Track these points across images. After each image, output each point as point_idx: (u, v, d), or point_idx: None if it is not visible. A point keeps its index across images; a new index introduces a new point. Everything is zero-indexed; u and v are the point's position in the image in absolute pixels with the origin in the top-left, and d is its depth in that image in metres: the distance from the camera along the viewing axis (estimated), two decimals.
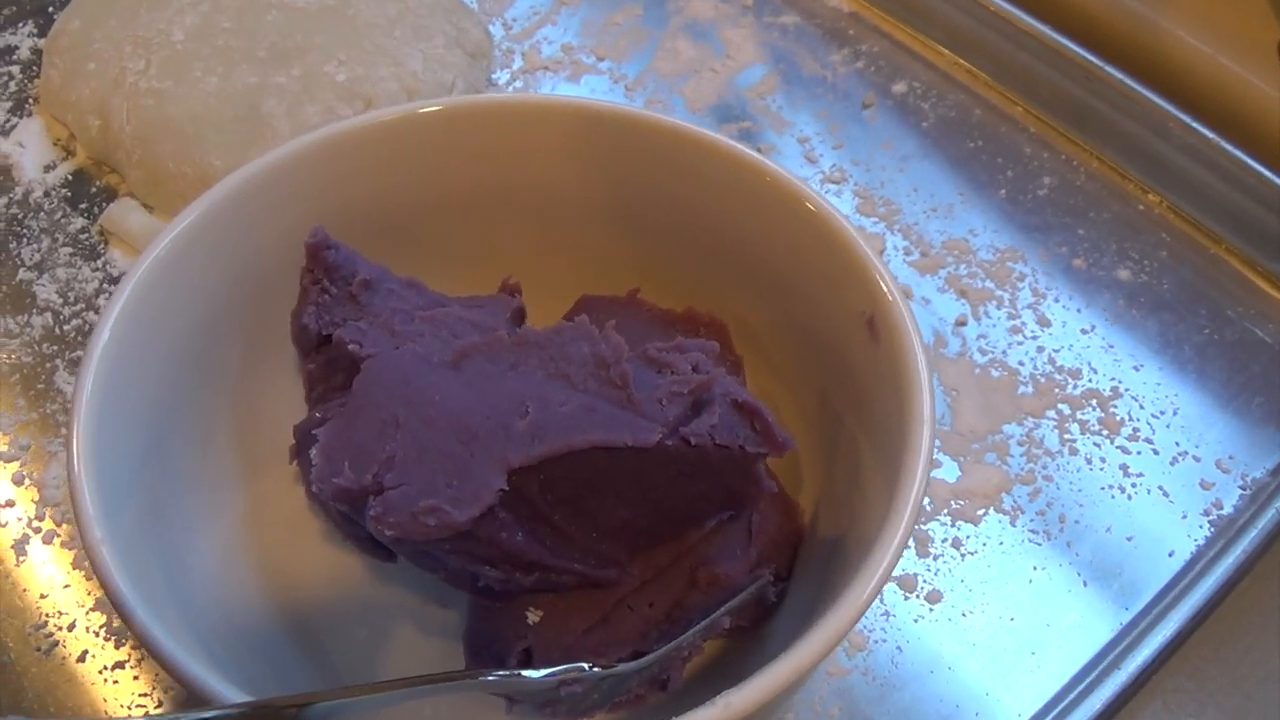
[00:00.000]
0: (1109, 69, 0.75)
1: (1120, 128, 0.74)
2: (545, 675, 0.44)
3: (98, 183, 0.74)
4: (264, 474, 0.55)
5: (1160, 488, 0.61)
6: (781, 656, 0.40)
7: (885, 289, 0.49)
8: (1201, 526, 0.59)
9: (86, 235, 0.71)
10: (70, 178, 0.75)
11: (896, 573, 0.56)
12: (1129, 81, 0.74)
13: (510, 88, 0.79)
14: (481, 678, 0.44)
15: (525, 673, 0.44)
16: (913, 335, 0.47)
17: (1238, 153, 0.71)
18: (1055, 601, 0.57)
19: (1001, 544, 0.58)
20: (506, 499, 0.45)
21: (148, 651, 0.40)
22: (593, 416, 0.45)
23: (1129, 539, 0.59)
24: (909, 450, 0.44)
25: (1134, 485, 0.61)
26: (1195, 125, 0.72)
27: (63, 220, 0.72)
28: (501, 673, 0.45)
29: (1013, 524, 0.59)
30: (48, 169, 0.75)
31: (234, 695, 0.39)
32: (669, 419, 0.46)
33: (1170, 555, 0.58)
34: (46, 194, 0.74)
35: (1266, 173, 0.70)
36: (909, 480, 0.44)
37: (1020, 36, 0.78)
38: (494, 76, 0.80)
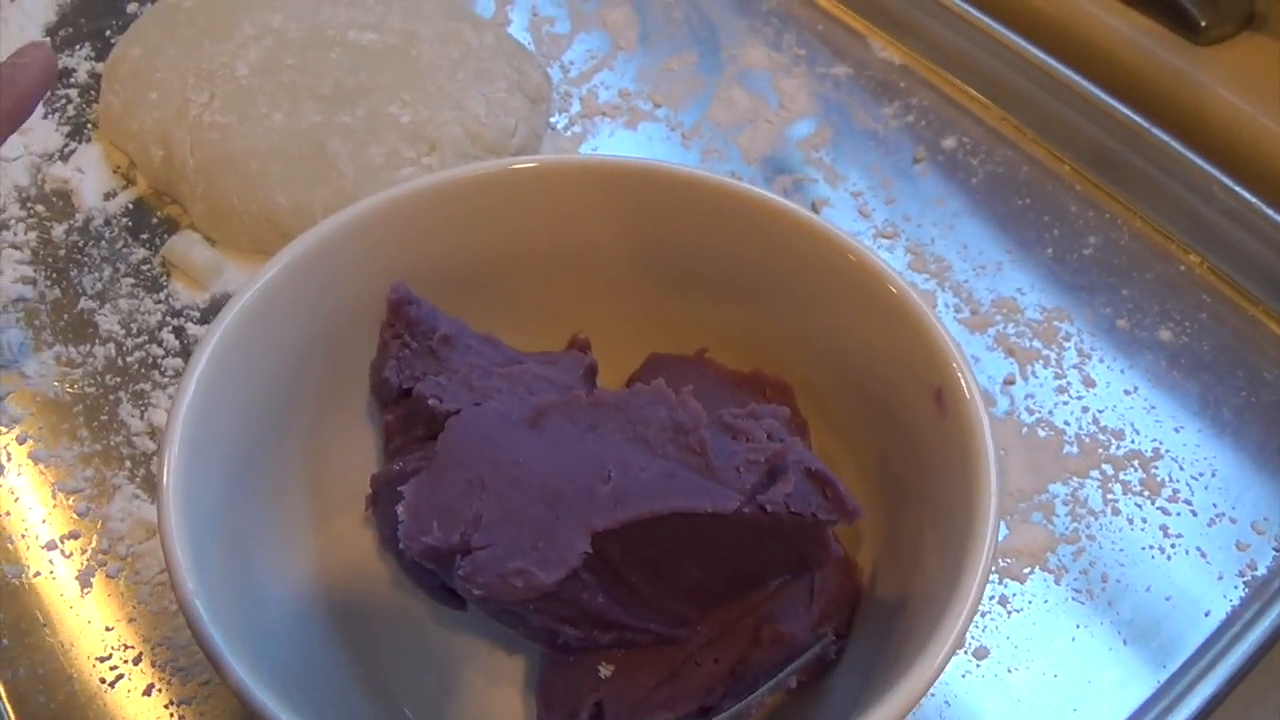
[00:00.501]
0: (1154, 130, 0.76)
1: (1162, 187, 0.76)
2: None
3: (159, 213, 0.75)
4: (334, 521, 0.57)
5: (1198, 548, 0.62)
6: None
7: (956, 364, 0.50)
8: (1237, 587, 0.61)
9: (149, 266, 0.72)
10: (131, 206, 0.76)
11: None
12: (1173, 143, 0.76)
13: (569, 132, 0.81)
14: None
15: None
16: (981, 411, 0.49)
17: (1277, 216, 0.72)
18: (1096, 659, 0.58)
19: (1046, 602, 0.60)
20: (588, 561, 0.46)
21: (245, 704, 0.42)
22: (673, 483, 0.47)
23: (1167, 599, 0.60)
24: (977, 521, 0.46)
25: (1173, 546, 0.62)
26: (1236, 188, 0.73)
27: (124, 250, 0.73)
28: None
29: (1057, 583, 0.60)
30: (108, 197, 0.76)
31: None
32: (746, 487, 0.47)
33: (1206, 615, 0.60)
34: (107, 222, 0.75)
35: None
36: (977, 552, 0.45)
37: (1065, 93, 0.79)
38: (552, 120, 0.81)
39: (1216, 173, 0.74)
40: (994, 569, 0.61)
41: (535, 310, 0.61)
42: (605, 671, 0.50)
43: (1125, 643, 0.59)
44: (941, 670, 0.43)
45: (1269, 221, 0.72)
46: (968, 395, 0.49)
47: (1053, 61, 0.80)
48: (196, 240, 0.73)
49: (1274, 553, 0.62)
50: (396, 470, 0.52)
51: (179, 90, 0.75)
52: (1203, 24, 0.82)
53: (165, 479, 0.46)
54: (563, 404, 0.51)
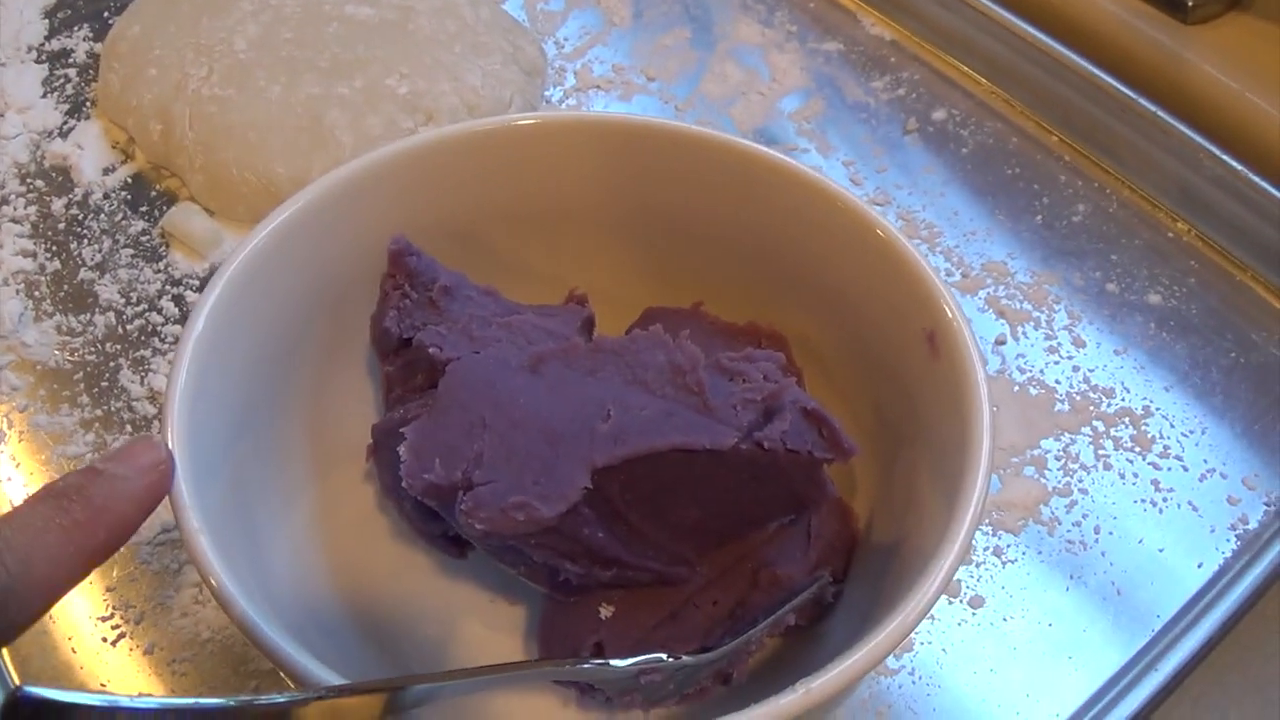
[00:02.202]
0: (1142, 101, 0.77)
1: (1151, 158, 0.77)
2: (629, 664, 0.47)
3: (157, 187, 0.76)
4: (335, 472, 0.57)
5: (1190, 502, 0.63)
6: (854, 649, 0.42)
7: (947, 306, 0.51)
8: (1228, 540, 0.61)
9: (148, 238, 0.73)
10: (129, 181, 0.77)
11: None
12: (1161, 113, 0.76)
13: (564, 105, 0.81)
14: (571, 665, 0.47)
15: (613, 662, 0.47)
16: (973, 351, 0.49)
17: (1264, 183, 0.73)
18: (1090, 609, 0.59)
19: (1040, 553, 0.60)
20: (589, 497, 0.47)
21: (248, 637, 0.42)
22: (672, 420, 0.48)
23: (1160, 550, 0.61)
24: (969, 463, 0.46)
25: (1165, 500, 0.63)
26: (1224, 156, 0.74)
27: (123, 222, 0.74)
28: (593, 661, 0.47)
29: (1050, 534, 0.61)
30: (107, 171, 0.77)
31: (332, 678, 0.41)
32: (743, 424, 0.48)
33: (1199, 566, 0.60)
34: (106, 196, 0.75)
35: None
36: (969, 492, 0.46)
37: (1055, 67, 0.80)
38: (547, 94, 0.82)
39: (1204, 142, 0.75)
40: (987, 521, 0.61)
41: (533, 266, 0.61)
42: (605, 612, 0.51)
43: (1119, 593, 0.59)
44: (930, 605, 0.43)
45: (1257, 189, 0.73)
46: (960, 335, 0.50)
47: (1042, 35, 0.81)
48: (195, 211, 0.73)
49: (1264, 507, 0.63)
50: (397, 418, 0.53)
51: (177, 66, 0.76)
52: (1190, 3, 0.83)
53: (171, 415, 0.46)
54: (562, 351, 0.52)
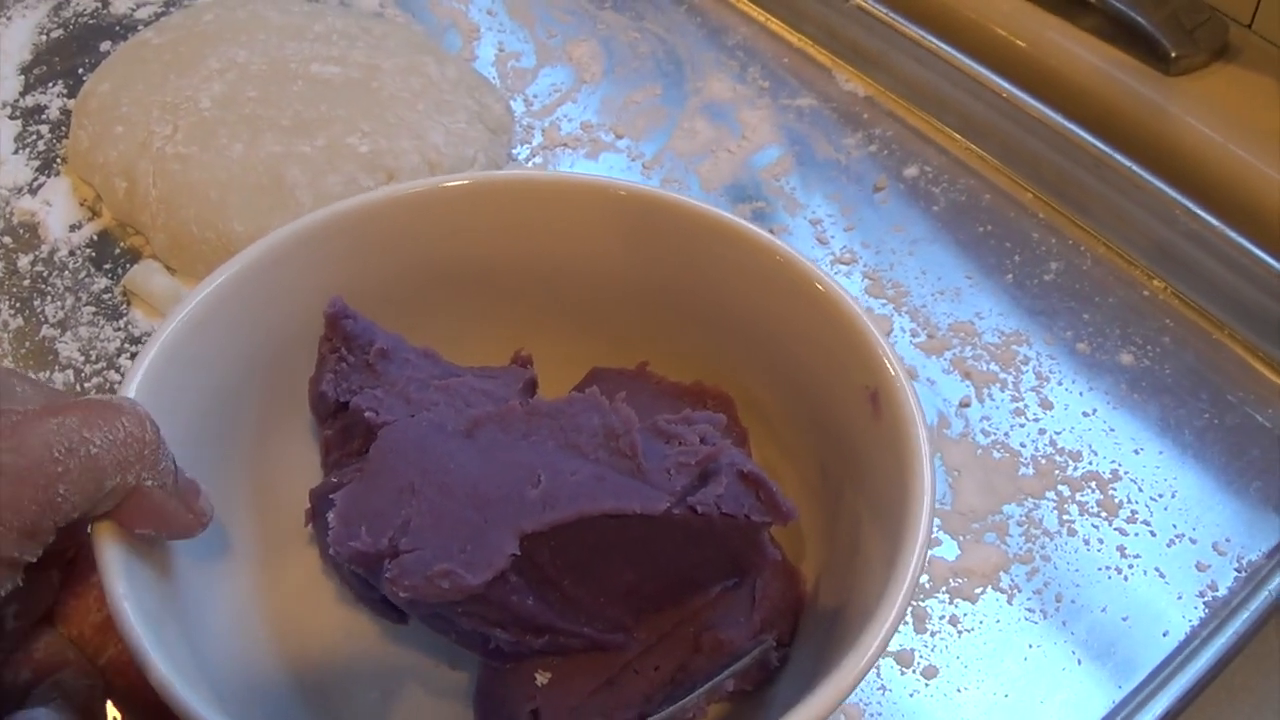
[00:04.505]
0: (1117, 156, 0.76)
1: (1126, 214, 0.76)
2: None
3: (122, 244, 0.76)
4: (278, 538, 0.56)
5: (1157, 569, 0.61)
6: (790, 715, 0.40)
7: (888, 365, 0.50)
8: (1196, 608, 0.60)
9: (109, 295, 0.73)
10: (95, 238, 0.76)
11: (893, 648, 0.57)
12: (1136, 169, 0.75)
13: (530, 163, 0.81)
14: None
15: None
16: (914, 411, 0.48)
17: (1241, 239, 0.72)
18: (1050, 679, 0.57)
19: (998, 622, 0.59)
20: (517, 564, 0.46)
21: (169, 702, 0.41)
22: (603, 485, 0.47)
23: (1124, 619, 0.59)
24: (908, 524, 0.45)
25: (1130, 566, 0.61)
26: (1200, 212, 0.73)
27: (86, 280, 0.74)
28: None
29: (1009, 602, 0.60)
30: (73, 228, 0.77)
31: None
32: (676, 489, 0.47)
33: (1165, 635, 0.59)
34: (71, 253, 0.75)
35: (1268, 259, 0.71)
36: (908, 553, 0.44)
37: (1030, 123, 0.80)
38: (514, 152, 0.82)
39: (1180, 197, 0.74)
40: (944, 588, 0.60)
41: (478, 327, 0.60)
42: (542, 679, 0.50)
43: (1080, 663, 0.58)
44: (866, 670, 0.42)
45: (1233, 245, 0.72)
46: (901, 395, 0.49)
47: (1018, 91, 0.80)
48: (156, 269, 0.73)
49: (1235, 573, 0.61)
50: (333, 483, 0.52)
51: (144, 124, 0.76)
52: (1174, 55, 0.82)
53: None
54: (498, 414, 0.51)
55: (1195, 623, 0.59)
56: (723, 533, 0.48)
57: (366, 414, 0.52)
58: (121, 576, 0.43)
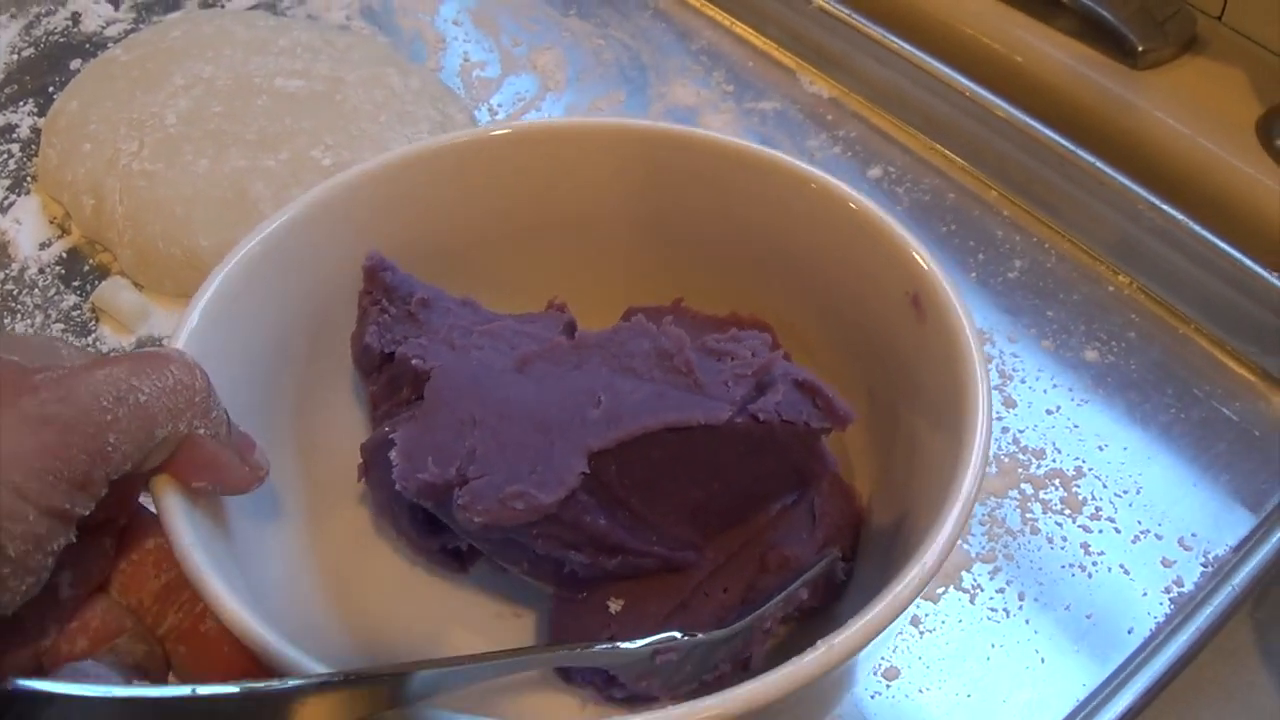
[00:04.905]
0: (1081, 153, 0.76)
1: (1090, 210, 0.76)
2: (642, 645, 0.47)
3: (91, 261, 0.76)
4: (325, 498, 0.56)
5: (1121, 566, 0.61)
6: (874, 603, 0.41)
7: (926, 265, 0.51)
8: (1161, 604, 0.60)
9: (79, 312, 0.73)
10: (64, 255, 0.77)
11: None
12: (1100, 165, 0.75)
13: None
14: (583, 649, 0.47)
15: (623, 644, 0.47)
16: (958, 304, 0.50)
17: (1205, 233, 0.72)
18: (1012, 678, 0.57)
19: (960, 622, 0.59)
20: (587, 482, 0.47)
21: (245, 639, 0.41)
22: (664, 400, 0.48)
23: (1088, 616, 0.59)
24: (967, 415, 0.46)
25: (1094, 564, 0.61)
26: (1164, 207, 0.73)
27: (56, 297, 0.74)
28: (602, 645, 0.47)
29: (971, 602, 0.59)
30: (43, 246, 0.77)
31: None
32: (736, 398, 0.48)
33: (1130, 632, 0.59)
34: (41, 271, 0.75)
35: (1233, 252, 0.71)
36: (972, 433, 0.46)
37: (994, 121, 0.79)
38: None
39: (1144, 192, 0.74)
40: None
41: (511, 276, 0.61)
42: (615, 606, 0.50)
43: (1043, 661, 0.58)
44: (949, 548, 0.42)
45: (1198, 239, 0.72)
46: (944, 291, 0.50)
47: (981, 90, 0.80)
48: (124, 285, 0.73)
49: (1201, 568, 0.61)
50: (386, 433, 0.52)
51: (110, 141, 0.76)
52: (1140, 49, 0.82)
53: None
54: (546, 350, 0.52)
55: (1160, 619, 0.59)
56: (784, 441, 0.49)
57: (414, 361, 0.52)
58: (186, 525, 0.43)
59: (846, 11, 0.86)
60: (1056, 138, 0.77)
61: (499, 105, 0.86)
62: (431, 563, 0.55)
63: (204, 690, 0.36)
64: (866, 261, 0.54)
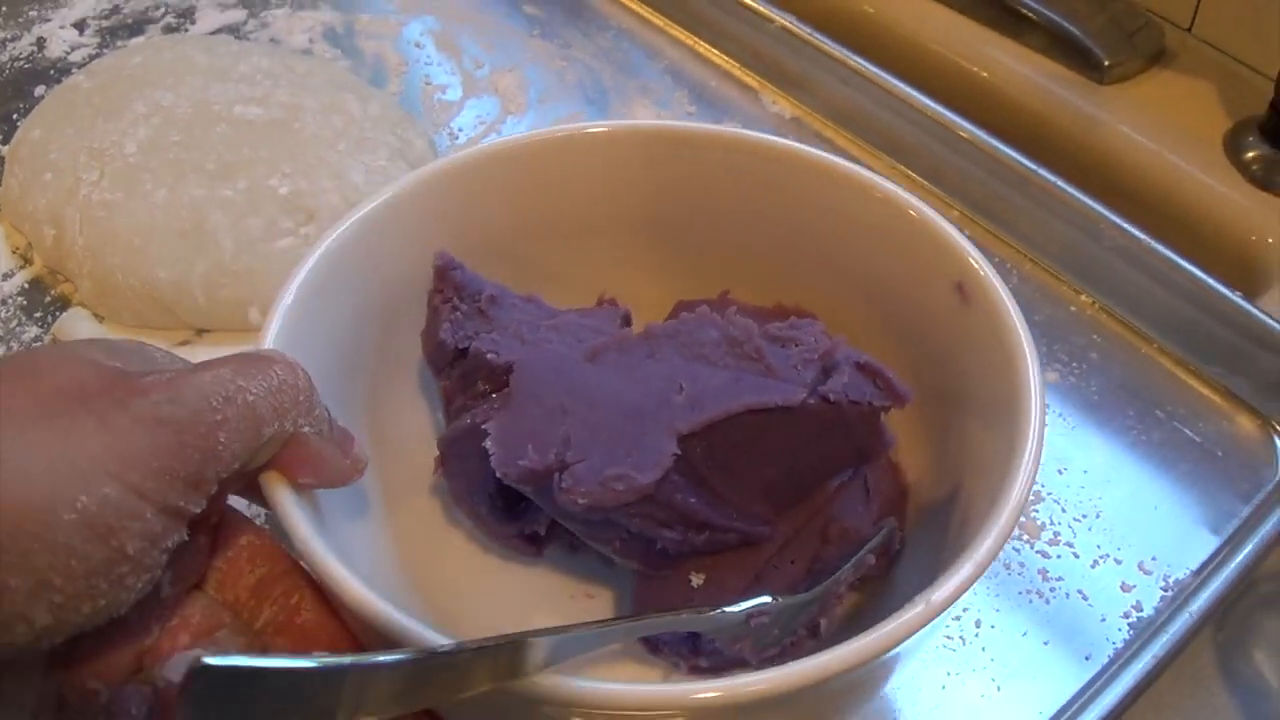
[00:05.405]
0: (1042, 172, 0.76)
1: (1052, 229, 0.76)
2: (742, 608, 0.49)
3: (53, 291, 0.76)
4: (400, 492, 0.58)
5: (1080, 591, 0.61)
6: (966, 556, 0.44)
7: (970, 254, 0.54)
8: (1120, 629, 0.59)
9: (39, 344, 0.72)
10: (27, 286, 0.76)
11: None
12: (1061, 184, 0.75)
13: None
14: (689, 614, 0.49)
15: (726, 608, 0.49)
16: (1002, 289, 0.53)
17: (1167, 252, 0.72)
18: (968, 707, 0.57)
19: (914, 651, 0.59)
20: (677, 463, 0.49)
21: (373, 619, 0.42)
22: (741, 385, 0.51)
23: (1045, 643, 0.59)
24: (1021, 392, 0.49)
25: (1052, 590, 0.61)
26: (1126, 226, 0.73)
27: (17, 328, 0.73)
28: (708, 610, 0.49)
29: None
30: (5, 277, 0.77)
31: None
32: (807, 381, 0.51)
33: (1087, 659, 0.58)
34: (3, 301, 0.75)
35: (1197, 272, 0.71)
36: (1027, 411, 0.48)
37: (956, 140, 0.79)
38: None
39: (1106, 211, 0.74)
40: None
41: (558, 275, 0.63)
42: (697, 581, 0.53)
43: (999, 689, 0.57)
44: (1022, 506, 0.46)
45: (1159, 258, 0.72)
46: (989, 278, 0.53)
47: (943, 110, 0.80)
48: (84, 317, 0.73)
49: (1161, 592, 0.61)
50: (467, 424, 0.54)
51: (71, 170, 0.76)
52: (1106, 63, 0.82)
53: None
54: (616, 342, 0.55)
55: (1119, 644, 0.59)
56: (849, 420, 0.52)
57: (489, 355, 0.55)
58: (302, 519, 0.44)
59: (809, 31, 0.86)
60: (1017, 156, 0.77)
61: (460, 129, 0.86)
62: (506, 548, 0.58)
63: (385, 659, 0.38)
64: (910, 250, 0.57)
